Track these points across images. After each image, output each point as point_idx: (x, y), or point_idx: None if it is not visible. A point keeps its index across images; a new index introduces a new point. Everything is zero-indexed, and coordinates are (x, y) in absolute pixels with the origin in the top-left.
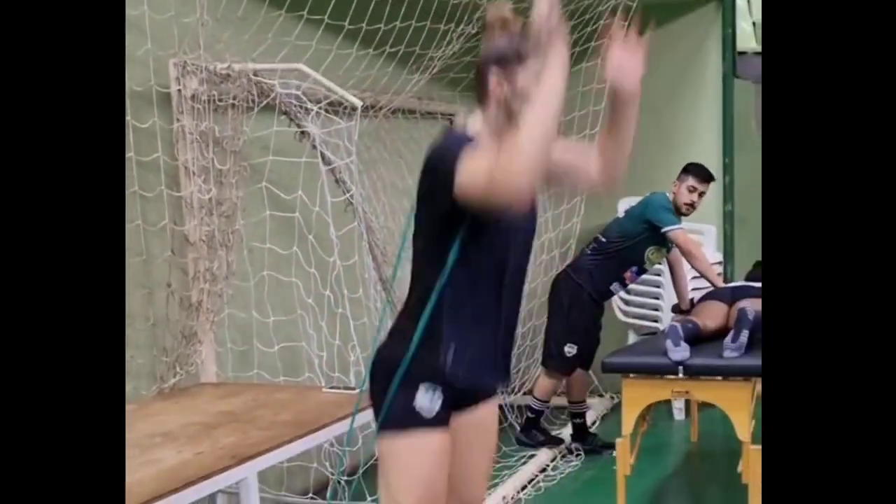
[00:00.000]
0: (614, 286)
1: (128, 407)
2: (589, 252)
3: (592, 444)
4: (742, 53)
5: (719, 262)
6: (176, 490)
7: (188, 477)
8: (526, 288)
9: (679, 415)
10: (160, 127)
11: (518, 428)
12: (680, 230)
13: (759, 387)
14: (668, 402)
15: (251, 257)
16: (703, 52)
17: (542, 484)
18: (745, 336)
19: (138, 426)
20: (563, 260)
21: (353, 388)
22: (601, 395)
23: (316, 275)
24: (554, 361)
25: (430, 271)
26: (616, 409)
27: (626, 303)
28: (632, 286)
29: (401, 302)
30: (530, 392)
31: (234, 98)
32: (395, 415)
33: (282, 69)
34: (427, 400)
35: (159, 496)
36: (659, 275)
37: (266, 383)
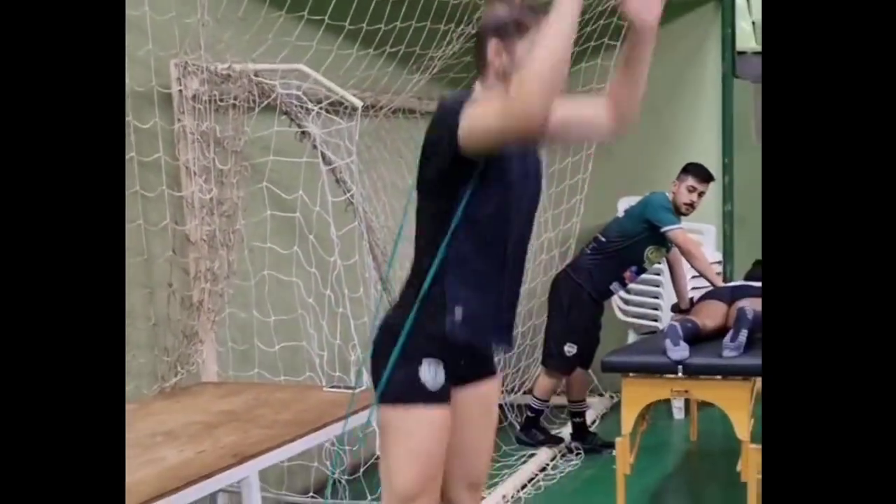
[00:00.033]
0: (614, 286)
1: (129, 406)
2: (588, 252)
3: (592, 443)
4: (741, 53)
5: (718, 262)
6: (178, 489)
7: (190, 476)
8: (528, 264)
9: (678, 414)
10: (161, 127)
11: (518, 427)
12: (679, 230)
13: (758, 386)
14: (667, 401)
15: (252, 257)
16: (703, 51)
17: (542, 483)
18: (744, 335)
19: (140, 425)
20: (562, 259)
21: (354, 388)
22: (601, 395)
23: (316, 274)
24: (554, 361)
25: (433, 235)
26: (616, 408)
27: (626, 302)
28: (631, 286)
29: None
30: (530, 391)
31: (235, 98)
32: (397, 388)
33: (282, 69)
34: (430, 375)
35: (161, 495)
36: (658, 274)
37: (267, 382)
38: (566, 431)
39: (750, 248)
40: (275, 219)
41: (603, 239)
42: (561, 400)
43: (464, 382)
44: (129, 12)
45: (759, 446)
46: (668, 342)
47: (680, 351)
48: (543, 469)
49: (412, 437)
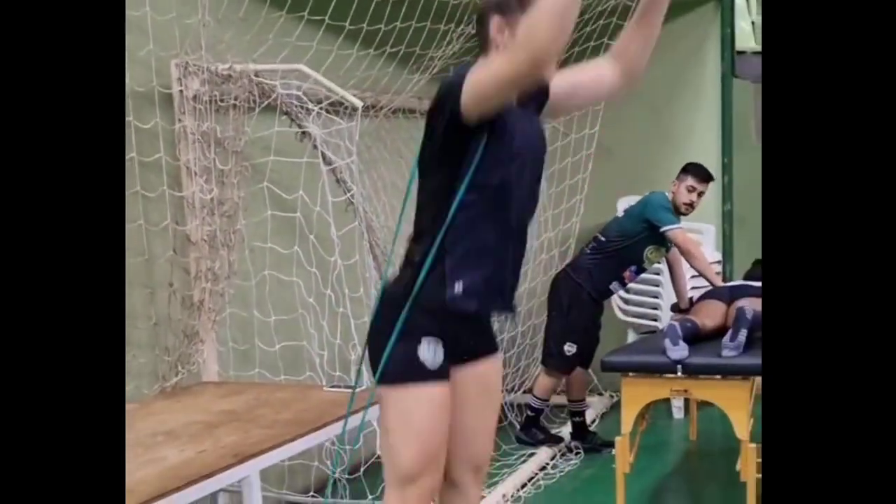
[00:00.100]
0: (614, 285)
1: (130, 406)
2: (588, 251)
3: (592, 443)
4: (741, 53)
5: (718, 262)
6: (179, 488)
7: (191, 475)
8: (530, 244)
9: (678, 413)
10: (162, 127)
11: (518, 426)
12: (679, 230)
13: (757, 385)
14: (667, 400)
15: (252, 257)
16: (703, 51)
17: (541, 482)
18: (743, 335)
19: (141, 425)
20: (562, 259)
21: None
22: (600, 394)
23: (317, 274)
24: (553, 360)
25: (437, 209)
26: (615, 407)
27: (626, 302)
28: (631, 285)
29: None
30: (530, 391)
31: (236, 98)
32: (397, 367)
33: (283, 70)
34: (430, 353)
35: (162, 494)
36: (658, 274)
37: (267, 382)
38: (566, 431)
39: (749, 248)
40: (275, 219)
41: (602, 238)
42: (561, 399)
43: (463, 362)
44: (130, 13)
45: (758, 445)
46: (667, 342)
47: (679, 350)
48: (543, 468)
49: (412, 415)
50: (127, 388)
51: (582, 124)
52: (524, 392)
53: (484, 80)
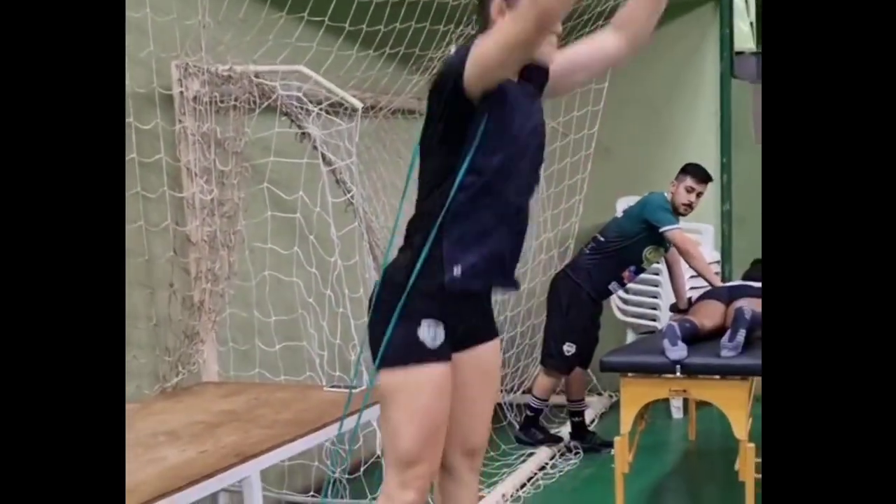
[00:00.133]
0: (613, 285)
1: (131, 406)
2: (587, 252)
3: (591, 443)
4: (740, 53)
5: (717, 262)
6: (180, 488)
7: (192, 475)
8: (530, 231)
9: (677, 413)
10: (162, 128)
11: (517, 426)
12: (678, 230)
13: (755, 386)
14: (666, 400)
15: (252, 257)
16: (701, 52)
17: (541, 482)
18: (742, 335)
19: (141, 425)
20: (561, 259)
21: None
22: (600, 394)
23: (317, 274)
24: (553, 360)
25: (438, 189)
26: (614, 407)
27: (625, 302)
28: (630, 285)
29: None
30: (529, 391)
31: (236, 99)
32: (397, 350)
33: (283, 71)
34: (430, 335)
35: (163, 494)
36: (657, 274)
37: (267, 382)
38: (565, 431)
39: (748, 248)
40: (275, 219)
41: (602, 239)
42: (560, 399)
43: (462, 346)
44: (130, 14)
45: (757, 445)
46: (666, 342)
47: (678, 351)
48: (543, 468)
49: (412, 395)
50: (127, 389)
51: (581, 124)
52: (523, 392)
53: (489, 49)
